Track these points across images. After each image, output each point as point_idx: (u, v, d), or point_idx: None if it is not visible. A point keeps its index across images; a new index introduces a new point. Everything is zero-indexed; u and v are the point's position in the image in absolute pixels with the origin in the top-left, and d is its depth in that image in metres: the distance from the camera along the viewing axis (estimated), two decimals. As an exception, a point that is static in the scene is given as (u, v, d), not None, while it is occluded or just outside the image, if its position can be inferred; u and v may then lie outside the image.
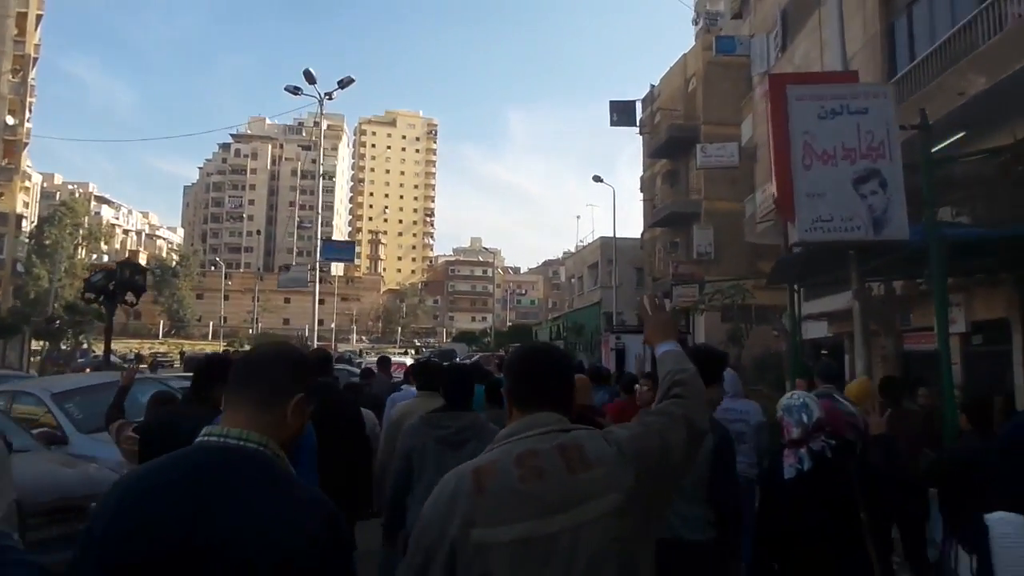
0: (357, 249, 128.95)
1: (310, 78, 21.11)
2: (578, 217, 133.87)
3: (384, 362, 9.68)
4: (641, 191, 37.62)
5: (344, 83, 21.80)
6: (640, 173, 38.17)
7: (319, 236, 21.22)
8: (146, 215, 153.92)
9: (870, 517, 3.02)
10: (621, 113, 34.69)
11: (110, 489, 1.39)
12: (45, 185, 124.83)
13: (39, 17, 45.62)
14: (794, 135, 6.83)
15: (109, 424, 4.42)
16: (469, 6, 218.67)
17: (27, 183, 44.32)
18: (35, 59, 44.99)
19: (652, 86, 36.18)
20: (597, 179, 34.79)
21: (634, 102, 35.15)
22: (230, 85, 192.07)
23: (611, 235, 37.99)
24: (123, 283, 10.88)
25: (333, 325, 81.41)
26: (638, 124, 35.69)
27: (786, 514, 3.03)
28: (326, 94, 21.96)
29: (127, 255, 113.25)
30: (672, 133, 29.23)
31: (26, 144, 44.93)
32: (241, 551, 1.27)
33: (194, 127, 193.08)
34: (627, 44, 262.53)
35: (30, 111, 45.25)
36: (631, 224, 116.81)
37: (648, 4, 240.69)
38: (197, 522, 1.28)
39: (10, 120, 43.29)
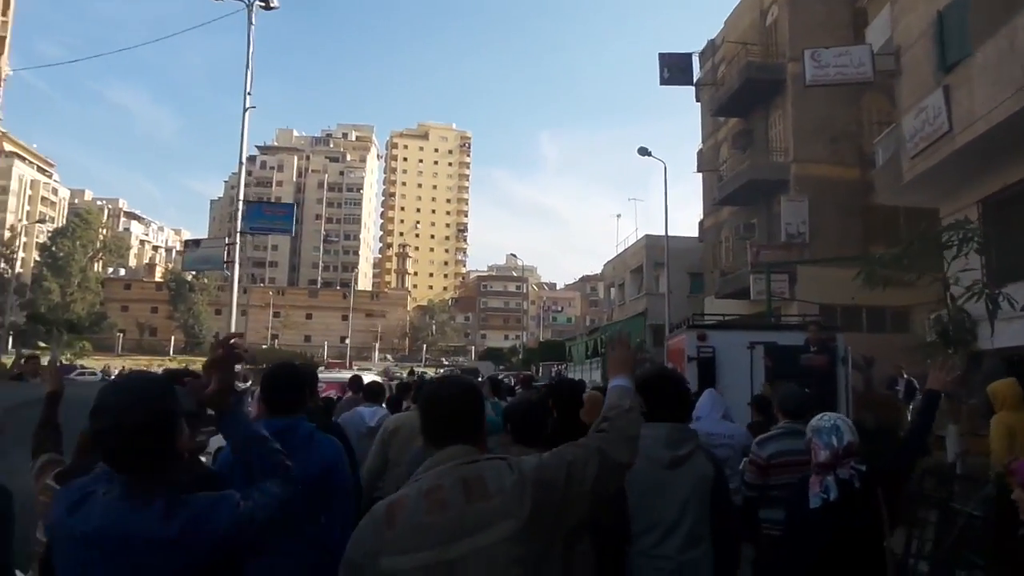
0: (388, 265, 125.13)
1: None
2: (618, 216, 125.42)
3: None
4: (699, 171, 30.12)
5: (283, -24, 15.14)
6: (698, 147, 30.68)
7: (241, 196, 14.30)
8: (178, 232, 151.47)
9: None
10: (674, 69, 27.40)
11: None
12: (76, 201, 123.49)
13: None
14: None
15: (36, 454, 2.73)
16: (497, 30, 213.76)
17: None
18: (1, 37, 39.76)
19: (710, 40, 28.85)
20: (644, 151, 27.46)
21: (690, 55, 27.85)
22: (264, 107, 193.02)
23: (657, 233, 30.74)
24: None
25: (347, 341, 75.51)
26: (694, 84, 28.36)
27: (813, 545, 2.92)
28: (258, -5, 15.32)
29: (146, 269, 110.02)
30: (749, 74, 21.70)
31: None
32: None
33: (228, 147, 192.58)
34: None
35: (-3, 98, 40.01)
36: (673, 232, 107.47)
37: (682, 25, 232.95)
38: None
39: (-31, 105, 38.12)
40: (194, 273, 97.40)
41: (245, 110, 15.13)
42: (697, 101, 30.04)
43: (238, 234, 14.60)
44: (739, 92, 22.63)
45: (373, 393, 6.40)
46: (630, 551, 2.73)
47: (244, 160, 14.92)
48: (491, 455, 1.76)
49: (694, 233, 31.68)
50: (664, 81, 27.46)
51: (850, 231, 20.19)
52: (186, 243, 19.88)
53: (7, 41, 40.29)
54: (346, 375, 15.73)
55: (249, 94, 15.10)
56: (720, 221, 26.76)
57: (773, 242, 20.81)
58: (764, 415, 5.40)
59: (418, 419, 4.02)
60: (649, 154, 27.59)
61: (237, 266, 14.57)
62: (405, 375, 23.56)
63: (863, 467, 2.91)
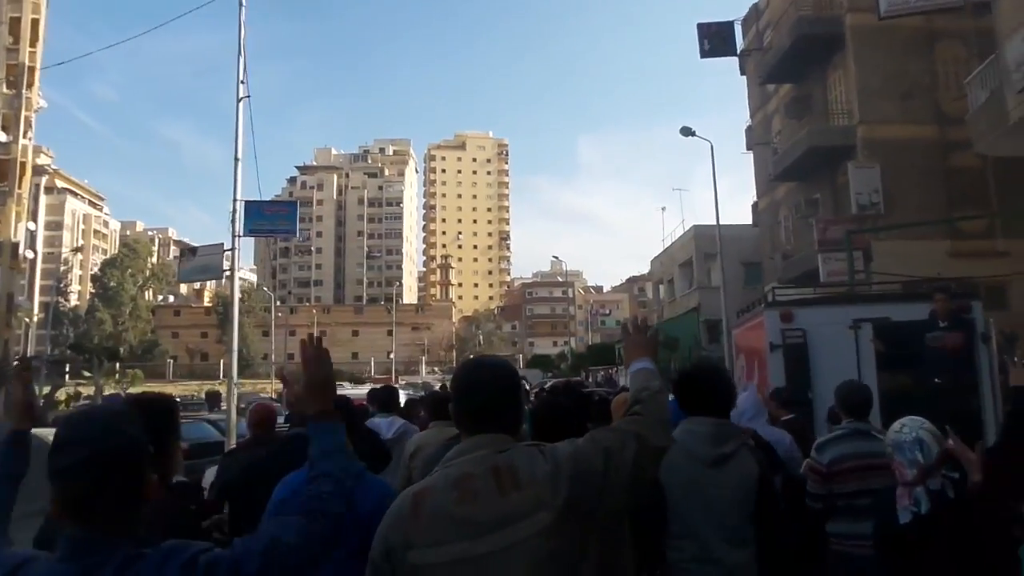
0: (433, 278, 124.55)
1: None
2: (663, 208, 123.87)
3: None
4: (749, 148, 27.73)
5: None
6: (745, 124, 28.31)
7: (236, 196, 12.79)
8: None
9: None
10: (714, 40, 25.21)
11: None
12: (127, 233, 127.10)
13: (35, 22, 40.62)
14: None
15: None
16: (528, 36, 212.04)
17: (19, 207, 38.55)
18: (30, 67, 39.79)
19: (754, 4, 26.55)
20: (687, 131, 25.24)
21: (731, 23, 25.61)
22: (303, 128, 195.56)
23: (705, 223, 28.46)
24: None
25: (392, 355, 74.50)
26: (738, 53, 26.09)
27: (906, 565, 2.63)
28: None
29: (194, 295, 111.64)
30: (801, 31, 19.39)
31: (23, 163, 39.51)
32: None
33: (273, 171, 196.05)
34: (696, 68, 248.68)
35: (28, 127, 40.00)
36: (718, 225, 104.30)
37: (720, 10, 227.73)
38: None
39: (1, 136, 38.07)
40: (240, 296, 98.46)
41: (239, 100, 13.62)
42: (742, 74, 27.74)
43: (235, 238, 13.10)
44: (790, 53, 20.31)
45: (384, 401, 5.76)
46: (671, 554, 2.52)
47: (239, 156, 13.39)
48: (524, 443, 1.65)
49: (745, 222, 29.41)
50: (704, 54, 25.30)
51: (931, 197, 17.71)
52: (182, 251, 18.46)
53: (36, 72, 40.40)
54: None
55: (243, 83, 13.59)
56: (777, 200, 24.36)
57: (842, 215, 18.43)
58: (791, 411, 5.09)
59: (437, 436, 3.73)
60: (693, 134, 25.33)
61: (236, 273, 13.06)
62: (439, 388, 21.94)
63: (956, 474, 2.60)
